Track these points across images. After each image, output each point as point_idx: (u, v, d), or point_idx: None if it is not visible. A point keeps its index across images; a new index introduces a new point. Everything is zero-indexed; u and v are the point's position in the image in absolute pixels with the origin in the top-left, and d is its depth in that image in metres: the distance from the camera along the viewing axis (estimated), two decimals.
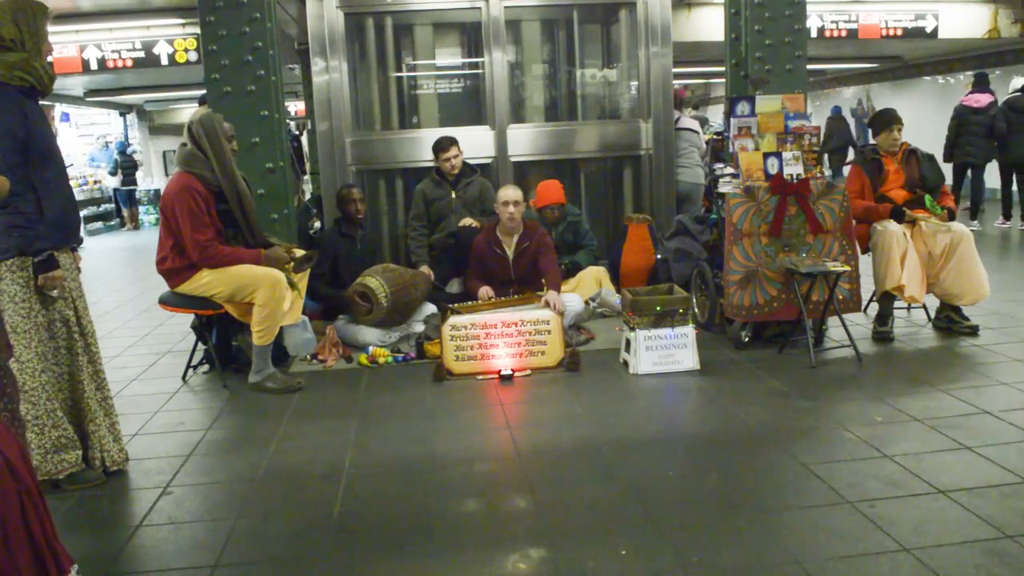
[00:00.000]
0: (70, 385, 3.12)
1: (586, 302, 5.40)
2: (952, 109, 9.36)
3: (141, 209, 15.29)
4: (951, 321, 4.79)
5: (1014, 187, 9.33)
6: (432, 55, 6.72)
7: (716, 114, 18.45)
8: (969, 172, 9.31)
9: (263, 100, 4.89)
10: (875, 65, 14.93)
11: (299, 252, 4.45)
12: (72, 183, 3.23)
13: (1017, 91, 9.05)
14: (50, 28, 3.03)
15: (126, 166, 14.49)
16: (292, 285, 4.28)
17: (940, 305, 4.86)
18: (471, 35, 6.48)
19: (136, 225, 14.90)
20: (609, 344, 4.78)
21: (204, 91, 5.28)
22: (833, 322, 4.74)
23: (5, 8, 2.88)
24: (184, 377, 4.60)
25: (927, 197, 4.75)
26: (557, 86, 6.92)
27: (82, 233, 3.37)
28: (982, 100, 9.02)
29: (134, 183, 14.79)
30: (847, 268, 4.40)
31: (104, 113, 16.91)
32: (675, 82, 7.05)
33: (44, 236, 2.93)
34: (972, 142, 9.05)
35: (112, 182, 14.73)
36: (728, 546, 2.46)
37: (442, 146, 5.65)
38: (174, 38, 9.57)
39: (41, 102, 3.10)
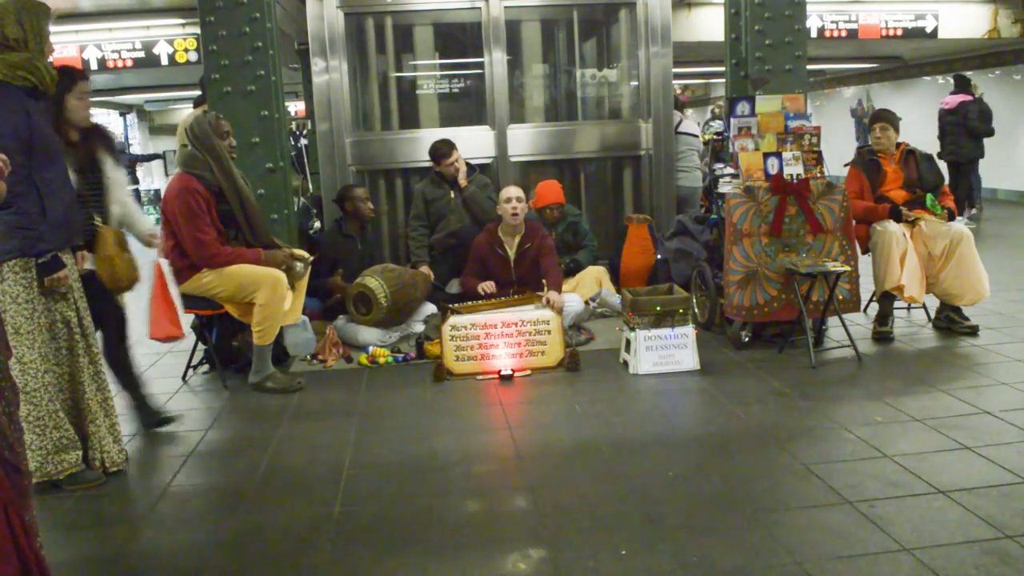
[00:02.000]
0: (71, 386, 3.12)
1: (586, 302, 5.40)
2: None
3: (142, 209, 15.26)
4: (951, 321, 4.79)
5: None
6: (432, 55, 6.72)
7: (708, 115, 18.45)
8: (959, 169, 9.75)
9: (263, 100, 4.89)
10: (875, 65, 14.93)
11: (300, 253, 4.44)
12: None
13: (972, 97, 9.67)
14: (51, 28, 3.03)
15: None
16: (292, 285, 4.29)
17: (940, 305, 4.86)
18: (471, 35, 6.48)
19: None
20: (609, 344, 4.78)
21: (199, 92, 5.29)
22: (833, 322, 4.74)
23: (9, 8, 2.89)
24: (184, 377, 4.60)
25: (928, 196, 4.75)
26: (557, 86, 6.92)
27: None
28: (951, 101, 9.61)
29: (133, 183, 14.74)
30: (847, 268, 4.40)
31: (104, 113, 16.91)
32: (675, 82, 7.05)
33: (47, 237, 2.93)
34: (952, 141, 9.56)
35: None
36: (728, 546, 2.46)
37: (443, 152, 5.64)
38: (174, 38, 9.57)
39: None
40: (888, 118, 4.89)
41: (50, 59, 3.04)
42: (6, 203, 2.85)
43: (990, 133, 9.50)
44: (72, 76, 3.39)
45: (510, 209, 5.04)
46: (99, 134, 3.59)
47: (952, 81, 10.42)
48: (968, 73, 10.62)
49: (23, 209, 2.86)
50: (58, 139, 3.28)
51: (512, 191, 5.12)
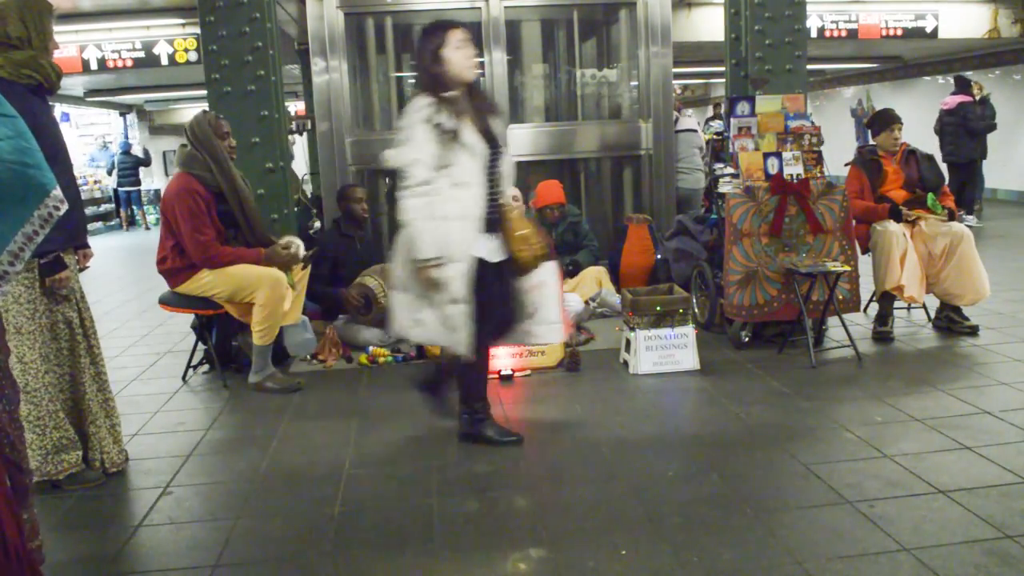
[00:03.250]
0: (71, 386, 3.12)
1: (586, 302, 5.40)
2: None
3: (144, 209, 15.25)
4: (951, 321, 4.79)
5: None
6: None
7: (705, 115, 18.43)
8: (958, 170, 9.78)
9: (263, 100, 4.89)
10: (875, 65, 14.93)
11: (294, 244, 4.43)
12: None
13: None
14: (55, 27, 3.02)
15: (125, 166, 14.43)
16: (292, 285, 4.29)
17: (940, 305, 4.86)
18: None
19: (127, 226, 14.82)
20: (609, 344, 4.78)
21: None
22: (833, 322, 4.74)
23: (11, 6, 2.88)
24: (184, 377, 4.60)
25: (930, 195, 4.75)
26: (557, 86, 6.92)
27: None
28: (951, 102, 9.62)
29: (135, 184, 14.71)
30: (847, 268, 4.40)
31: (104, 113, 16.91)
32: (675, 82, 7.05)
33: (50, 237, 2.91)
34: (950, 141, 9.60)
35: (111, 181, 14.72)
36: (728, 546, 2.46)
37: None
38: (174, 38, 9.57)
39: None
40: (899, 118, 4.91)
41: (53, 56, 3.03)
42: None
43: (991, 128, 9.52)
44: (443, 27, 3.13)
45: None
46: (482, 96, 3.26)
47: (952, 81, 10.44)
48: (968, 73, 10.62)
49: None
50: (459, 103, 3.01)
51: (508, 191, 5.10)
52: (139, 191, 14.97)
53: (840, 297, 4.53)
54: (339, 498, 2.93)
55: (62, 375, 3.08)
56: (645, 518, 2.67)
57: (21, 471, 2.06)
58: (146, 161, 15.02)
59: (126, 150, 14.69)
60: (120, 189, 14.62)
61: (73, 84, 12.54)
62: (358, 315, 4.94)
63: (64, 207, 2.02)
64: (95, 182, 14.88)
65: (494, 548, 2.53)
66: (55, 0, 3.08)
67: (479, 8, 6.19)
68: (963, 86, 9.74)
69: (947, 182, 5.19)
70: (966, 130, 9.43)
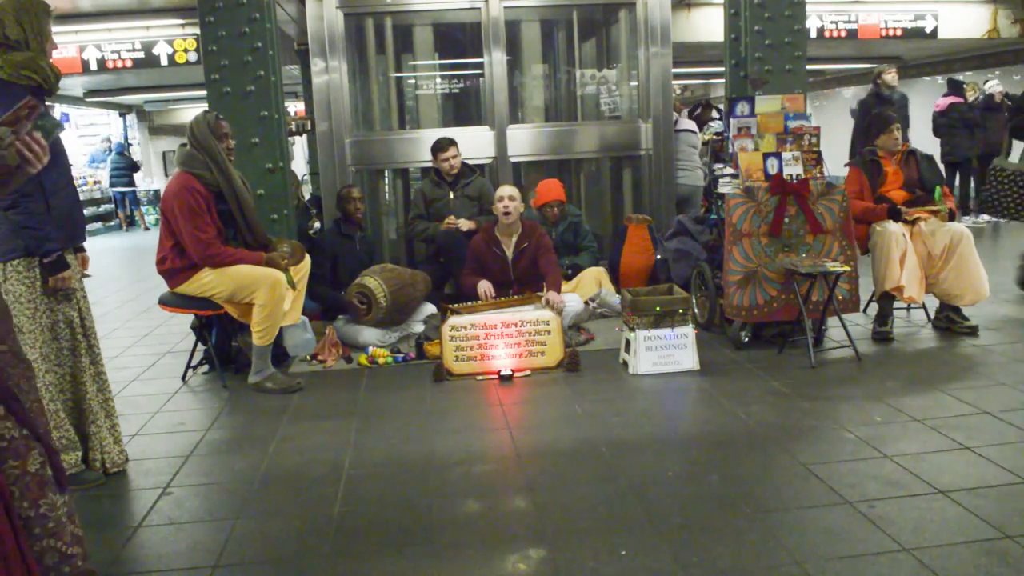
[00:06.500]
0: (72, 386, 3.12)
1: (586, 302, 5.40)
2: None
3: (141, 210, 15.26)
4: (951, 321, 4.79)
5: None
6: (432, 55, 6.73)
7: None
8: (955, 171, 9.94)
9: (263, 100, 4.89)
10: (875, 65, 14.93)
11: (285, 245, 4.43)
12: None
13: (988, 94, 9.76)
14: (53, 27, 3.03)
15: (118, 167, 14.42)
16: (292, 285, 4.29)
17: (940, 305, 4.86)
18: (471, 35, 6.49)
19: (127, 226, 14.83)
20: (609, 344, 4.78)
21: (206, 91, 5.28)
22: (833, 322, 4.74)
23: (8, 8, 2.89)
24: (184, 377, 4.60)
25: (937, 189, 4.76)
26: (557, 86, 6.92)
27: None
28: (942, 104, 9.70)
29: (129, 185, 14.71)
30: (847, 268, 4.40)
31: (104, 113, 16.91)
32: (675, 82, 7.06)
33: (53, 237, 2.93)
34: (947, 142, 9.72)
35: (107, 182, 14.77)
36: (728, 546, 2.46)
37: (441, 146, 5.66)
38: (174, 38, 9.59)
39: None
40: (895, 118, 4.92)
41: (52, 58, 3.04)
42: (12, 203, 2.86)
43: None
44: None
45: (501, 208, 5.04)
46: None
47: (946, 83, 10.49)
48: (968, 73, 10.63)
49: (29, 209, 2.87)
50: None
51: (504, 190, 5.11)
52: (134, 192, 14.97)
53: (840, 297, 4.53)
54: (339, 498, 2.93)
55: (63, 375, 3.09)
56: (645, 518, 2.67)
57: (57, 454, 2.11)
58: (137, 166, 15.08)
59: (121, 151, 14.69)
60: (114, 190, 14.63)
61: (73, 84, 12.55)
62: (359, 316, 4.94)
63: None
64: (95, 182, 14.89)
65: (494, 548, 2.53)
66: (54, 1, 3.08)
67: (479, 8, 6.19)
68: (955, 87, 9.78)
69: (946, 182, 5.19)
70: (951, 129, 9.47)
